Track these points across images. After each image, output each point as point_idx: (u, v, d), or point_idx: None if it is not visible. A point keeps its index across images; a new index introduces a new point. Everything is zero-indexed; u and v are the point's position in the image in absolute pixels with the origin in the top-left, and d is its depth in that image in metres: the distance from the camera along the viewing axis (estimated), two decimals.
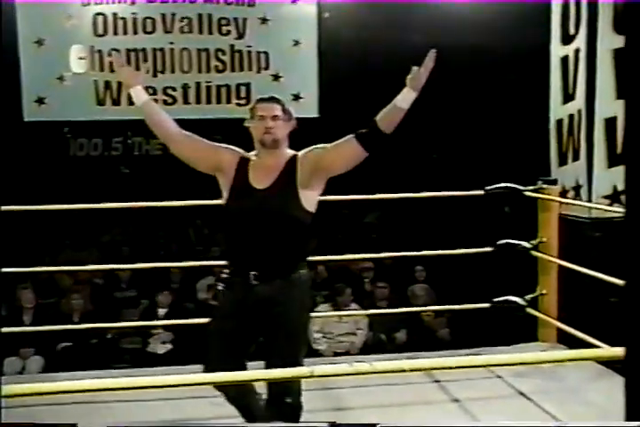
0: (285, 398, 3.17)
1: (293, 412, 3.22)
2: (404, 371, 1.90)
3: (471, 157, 8.81)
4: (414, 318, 7.06)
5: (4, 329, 6.19)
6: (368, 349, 6.83)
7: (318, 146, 3.30)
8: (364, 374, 2.07)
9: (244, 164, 3.25)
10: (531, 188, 4.80)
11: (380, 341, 7.01)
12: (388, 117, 3.26)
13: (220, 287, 3.30)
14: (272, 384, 3.10)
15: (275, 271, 3.13)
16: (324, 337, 6.91)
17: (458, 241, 5.12)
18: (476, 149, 8.78)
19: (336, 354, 6.74)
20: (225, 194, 3.26)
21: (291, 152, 3.31)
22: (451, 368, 2.27)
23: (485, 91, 8.56)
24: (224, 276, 3.27)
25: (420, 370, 2.25)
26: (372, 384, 4.01)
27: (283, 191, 3.17)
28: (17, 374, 6.38)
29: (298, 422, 3.18)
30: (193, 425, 3.25)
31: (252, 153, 3.32)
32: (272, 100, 3.30)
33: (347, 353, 6.77)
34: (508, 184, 4.79)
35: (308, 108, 7.82)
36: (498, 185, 4.79)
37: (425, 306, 7.03)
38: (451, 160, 8.98)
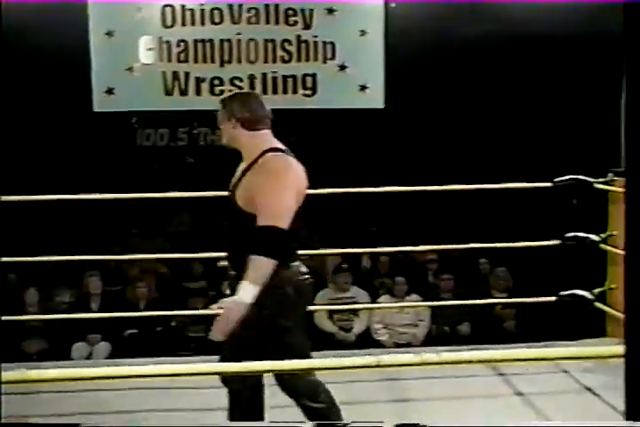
0: (300, 401, 3.15)
1: (317, 412, 3.14)
2: (470, 362, 1.86)
3: (540, 149, 8.67)
4: (482, 310, 6.96)
5: (73, 315, 6.33)
6: (431, 341, 6.79)
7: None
8: (430, 364, 2.05)
9: None
10: (601, 180, 4.70)
11: (443, 333, 6.96)
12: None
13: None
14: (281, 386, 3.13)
15: None
16: (384, 328, 6.90)
17: (525, 234, 5.05)
18: (545, 140, 8.65)
19: (397, 345, 6.72)
20: None
21: (258, 152, 3.06)
22: (512, 361, 2.24)
23: (555, 80, 8.42)
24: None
25: (487, 362, 2.22)
26: (436, 376, 3.98)
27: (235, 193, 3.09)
28: (85, 359, 6.50)
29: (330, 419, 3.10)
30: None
31: None
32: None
33: (408, 345, 6.75)
34: (578, 176, 4.71)
35: (374, 98, 7.81)
36: (567, 177, 4.71)
37: (504, 292, 6.98)
38: (519, 151, 8.85)
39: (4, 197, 4.81)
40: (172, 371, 2.28)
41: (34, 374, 2.19)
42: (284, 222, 2.88)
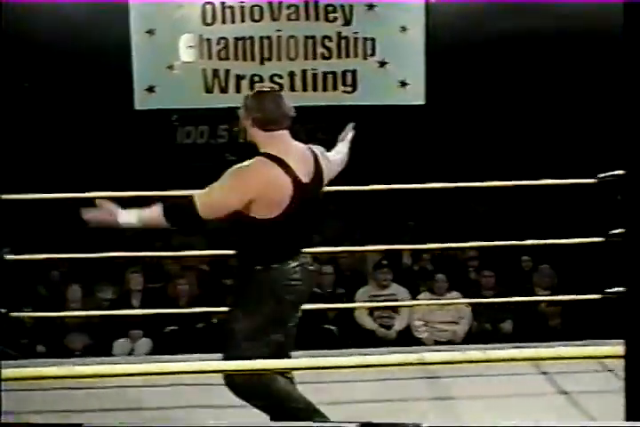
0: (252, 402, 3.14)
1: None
2: (515, 360, 1.83)
3: (584, 144, 8.57)
4: (524, 307, 6.88)
5: (115, 312, 6.38)
6: (472, 338, 6.74)
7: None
8: (475, 362, 2.02)
9: None
10: None
11: (484, 330, 6.91)
12: None
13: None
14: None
15: None
16: (425, 325, 6.86)
17: (569, 230, 4.98)
18: (589, 136, 8.54)
19: (438, 343, 6.68)
20: None
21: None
22: (556, 359, 2.19)
23: (601, 75, 8.30)
24: None
25: (531, 360, 2.18)
26: (477, 374, 3.94)
27: None
28: (127, 355, 6.54)
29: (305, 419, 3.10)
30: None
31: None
32: None
33: (449, 342, 6.70)
34: (623, 172, 4.61)
35: (415, 95, 7.76)
36: (611, 173, 4.63)
37: (548, 289, 6.91)
38: (562, 147, 8.75)
39: (48, 195, 4.86)
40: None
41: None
42: (206, 210, 2.94)
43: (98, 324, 6.71)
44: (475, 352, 1.99)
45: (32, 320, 6.63)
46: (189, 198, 2.97)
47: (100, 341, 6.70)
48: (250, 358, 2.77)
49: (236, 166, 3.02)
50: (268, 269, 3.05)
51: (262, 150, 3.06)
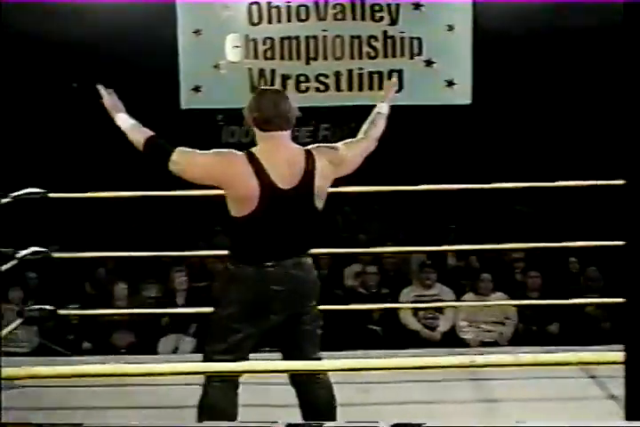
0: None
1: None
2: (569, 364, 1.80)
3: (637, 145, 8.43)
4: (572, 309, 6.78)
5: (160, 310, 6.42)
6: (518, 340, 6.66)
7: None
8: (526, 365, 1.99)
9: None
10: None
11: (530, 332, 6.83)
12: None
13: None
14: None
15: None
16: (469, 326, 6.80)
17: (617, 233, 4.90)
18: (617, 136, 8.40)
19: (483, 344, 6.62)
20: None
21: None
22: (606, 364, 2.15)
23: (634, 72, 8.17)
24: None
25: (582, 364, 2.14)
26: (523, 377, 3.90)
27: None
28: (171, 353, 6.58)
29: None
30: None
31: None
32: None
33: (495, 343, 6.63)
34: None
35: (462, 94, 7.69)
36: None
37: (595, 292, 6.81)
38: (613, 147, 8.63)
39: (96, 194, 4.90)
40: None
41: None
42: (174, 167, 3.05)
43: (143, 322, 6.76)
44: (526, 355, 1.95)
45: (78, 318, 6.70)
46: (170, 151, 3.07)
47: (145, 339, 6.75)
48: (209, 354, 3.11)
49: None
50: (237, 268, 3.08)
51: (252, 149, 3.08)
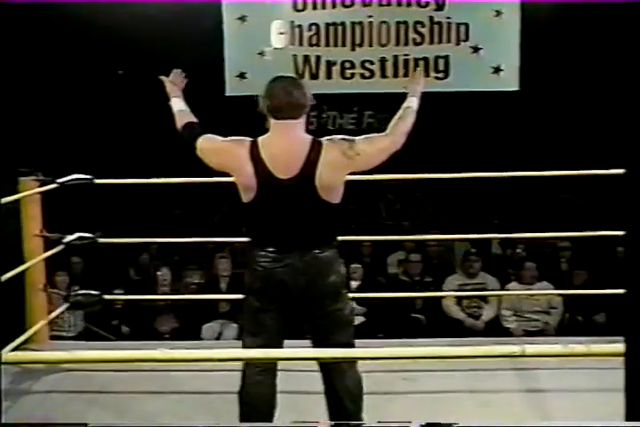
0: None
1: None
2: (621, 355, 1.75)
3: None
4: (620, 300, 6.68)
5: (204, 296, 6.45)
6: (563, 330, 6.59)
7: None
8: (578, 356, 1.95)
9: None
10: None
11: (576, 322, 6.74)
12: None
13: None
14: None
15: None
16: (514, 315, 6.73)
17: None
18: None
19: (528, 333, 6.55)
20: None
21: None
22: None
23: None
24: None
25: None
26: (566, 367, 3.84)
27: None
28: (214, 339, 6.61)
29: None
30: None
31: None
32: None
33: (539, 333, 6.56)
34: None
35: (509, 81, 7.60)
36: None
37: None
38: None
39: (141, 180, 4.93)
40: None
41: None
42: (199, 153, 3.15)
43: (187, 308, 6.80)
44: (577, 346, 1.91)
45: (122, 303, 6.76)
46: (198, 137, 3.16)
47: (188, 324, 6.79)
48: (242, 336, 3.18)
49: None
50: (246, 253, 3.14)
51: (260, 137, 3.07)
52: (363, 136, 3.10)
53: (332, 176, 2.99)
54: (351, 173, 3.08)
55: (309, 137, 3.03)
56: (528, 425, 2.66)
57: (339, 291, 3.14)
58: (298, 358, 2.59)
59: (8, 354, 2.98)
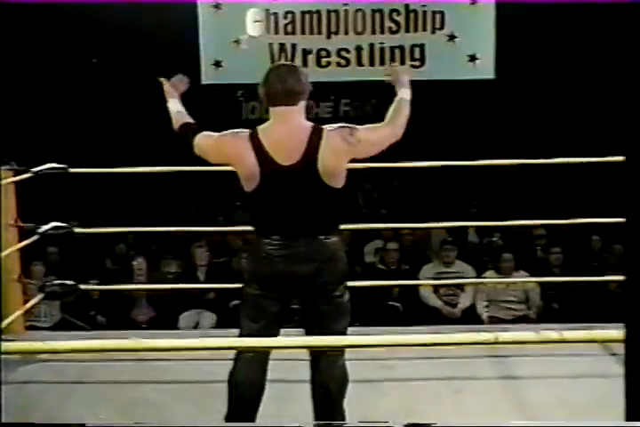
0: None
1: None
2: (594, 342, 1.77)
3: None
4: (594, 287, 6.73)
5: (181, 285, 6.44)
6: (540, 318, 6.64)
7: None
8: (551, 342, 1.96)
9: None
10: None
11: (552, 310, 6.79)
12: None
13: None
14: None
15: None
16: (490, 304, 6.77)
17: None
18: None
19: (503, 322, 6.59)
20: None
21: None
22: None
23: None
24: None
25: (606, 342, 2.11)
26: (544, 354, 3.87)
27: None
28: (192, 328, 6.61)
29: None
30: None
31: None
32: None
33: (515, 321, 6.60)
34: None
35: (484, 69, 7.61)
36: None
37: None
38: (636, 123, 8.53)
39: (114, 169, 4.90)
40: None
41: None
42: (197, 150, 3.16)
43: (164, 297, 6.79)
44: (550, 333, 1.92)
45: (98, 293, 6.73)
46: (195, 136, 3.16)
47: (166, 314, 6.78)
48: (240, 321, 3.13)
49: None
50: (254, 240, 3.15)
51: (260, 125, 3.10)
52: (364, 126, 3.11)
53: (334, 161, 3.00)
54: (352, 161, 3.11)
55: (310, 123, 3.05)
56: (525, 425, 2.68)
57: (344, 278, 3.19)
58: (285, 347, 2.59)
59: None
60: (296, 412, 3.31)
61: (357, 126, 3.10)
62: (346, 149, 3.03)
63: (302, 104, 3.07)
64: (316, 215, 3.07)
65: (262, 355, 3.14)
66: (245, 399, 3.14)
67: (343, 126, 3.07)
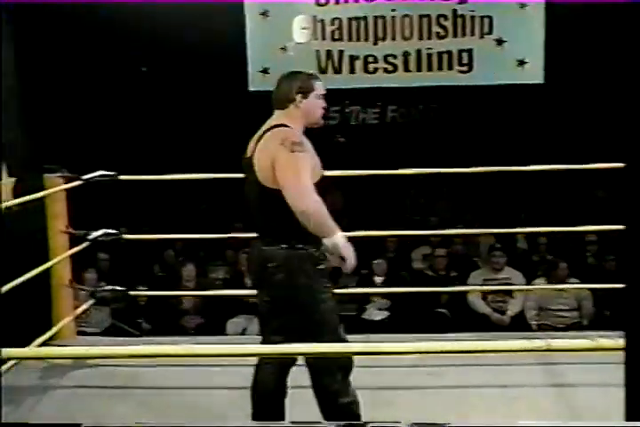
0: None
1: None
2: None
3: None
4: None
5: (229, 291, 6.46)
6: (592, 325, 6.54)
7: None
8: (606, 350, 1.92)
9: None
10: None
11: (604, 317, 6.69)
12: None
13: (320, 266, 3.09)
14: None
15: None
16: (541, 311, 6.69)
17: None
18: None
19: (554, 329, 6.51)
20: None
21: None
22: None
23: None
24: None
25: None
26: (594, 362, 3.80)
27: None
28: (239, 334, 6.62)
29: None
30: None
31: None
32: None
33: (566, 329, 6.51)
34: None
35: (533, 74, 7.51)
36: None
37: None
38: None
39: (165, 176, 4.94)
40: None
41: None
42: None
43: (211, 303, 6.82)
44: (605, 340, 1.89)
45: (146, 299, 6.78)
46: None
47: (213, 320, 6.80)
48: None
49: None
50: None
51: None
52: (285, 158, 2.99)
53: (264, 162, 3.03)
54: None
55: (280, 124, 3.10)
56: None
57: (267, 282, 3.16)
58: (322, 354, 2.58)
59: (34, 349, 3.01)
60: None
61: (283, 154, 2.99)
62: (274, 148, 3.01)
63: (292, 108, 3.14)
64: (260, 218, 3.14)
65: (283, 363, 3.19)
66: (269, 404, 3.22)
67: (283, 135, 3.04)
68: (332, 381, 3.09)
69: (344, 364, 3.10)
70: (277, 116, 3.17)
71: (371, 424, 2.04)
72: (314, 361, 3.07)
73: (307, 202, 2.91)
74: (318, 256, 3.06)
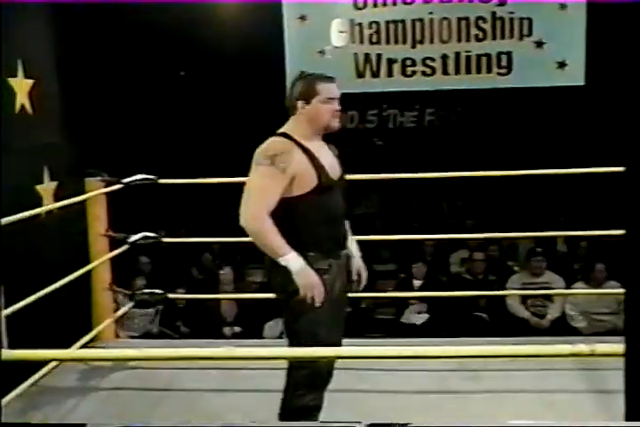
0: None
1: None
2: None
3: None
4: None
5: (266, 294, 6.46)
6: None
7: None
8: None
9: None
10: None
11: None
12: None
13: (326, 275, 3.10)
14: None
15: None
16: (580, 315, 6.62)
17: None
18: None
19: (595, 334, 6.43)
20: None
21: None
22: None
23: None
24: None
25: None
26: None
27: None
28: (277, 337, 6.62)
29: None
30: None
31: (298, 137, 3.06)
32: (333, 80, 3.14)
33: (607, 333, 6.43)
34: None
35: (574, 75, 7.42)
36: None
37: None
38: None
39: (203, 180, 4.97)
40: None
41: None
42: None
43: (249, 306, 6.83)
44: None
45: (185, 302, 6.81)
46: None
47: (251, 324, 6.81)
48: None
49: None
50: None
51: None
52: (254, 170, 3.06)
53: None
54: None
55: (279, 133, 3.12)
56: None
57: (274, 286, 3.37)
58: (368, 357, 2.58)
59: (75, 351, 3.04)
60: None
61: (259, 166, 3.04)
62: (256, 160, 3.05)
63: (297, 114, 3.10)
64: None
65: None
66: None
67: (263, 152, 3.06)
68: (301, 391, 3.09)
69: (316, 375, 3.09)
70: (287, 123, 3.14)
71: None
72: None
73: (247, 218, 2.98)
74: (318, 265, 3.05)
